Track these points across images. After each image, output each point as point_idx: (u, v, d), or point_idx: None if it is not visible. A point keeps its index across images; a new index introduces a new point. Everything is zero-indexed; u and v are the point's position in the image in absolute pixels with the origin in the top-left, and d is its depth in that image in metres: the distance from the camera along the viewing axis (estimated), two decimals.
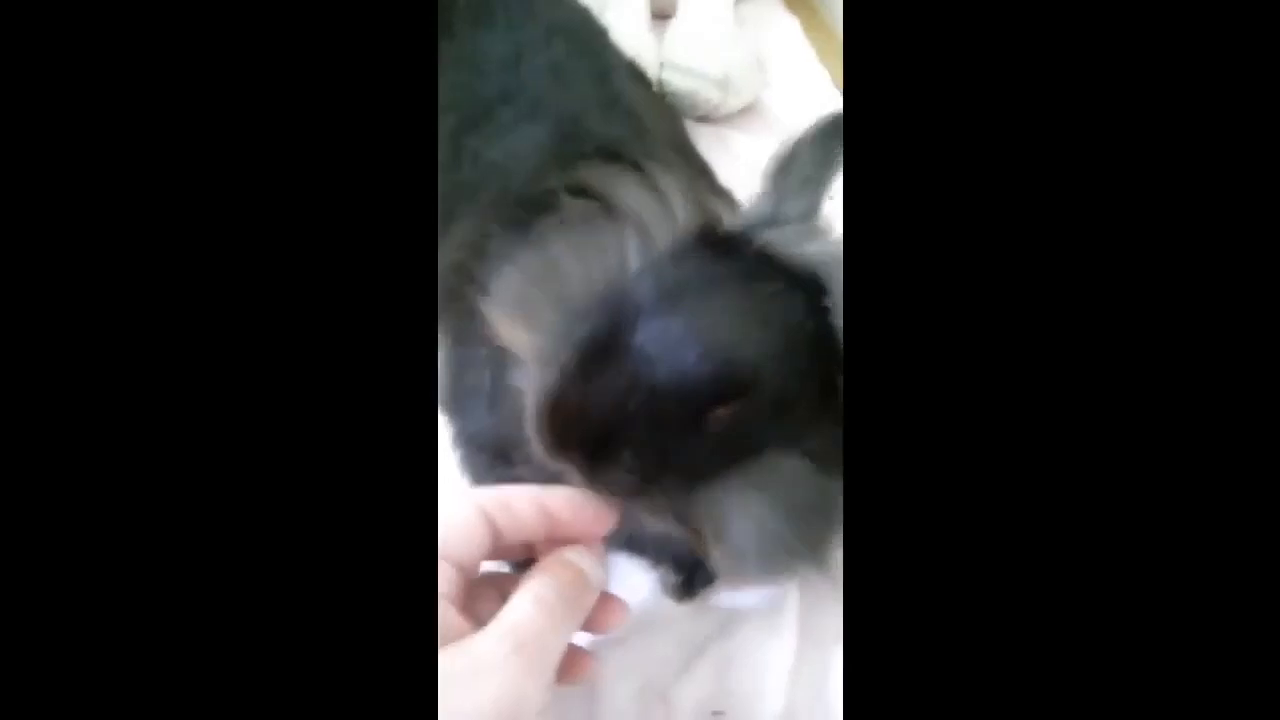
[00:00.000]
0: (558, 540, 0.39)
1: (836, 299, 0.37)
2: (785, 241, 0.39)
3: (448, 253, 0.50)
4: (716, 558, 0.38)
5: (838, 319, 0.37)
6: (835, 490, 0.38)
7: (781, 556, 0.39)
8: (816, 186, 0.41)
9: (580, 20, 0.68)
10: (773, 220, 0.40)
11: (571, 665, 0.40)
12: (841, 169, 0.42)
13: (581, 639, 0.39)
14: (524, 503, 0.38)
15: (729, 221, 0.41)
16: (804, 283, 0.38)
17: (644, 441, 0.36)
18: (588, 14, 0.70)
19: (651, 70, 0.90)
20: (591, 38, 0.67)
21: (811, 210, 0.41)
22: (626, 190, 0.42)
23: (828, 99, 1.01)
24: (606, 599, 0.41)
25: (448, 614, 0.35)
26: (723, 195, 0.63)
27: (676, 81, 0.91)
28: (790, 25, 1.09)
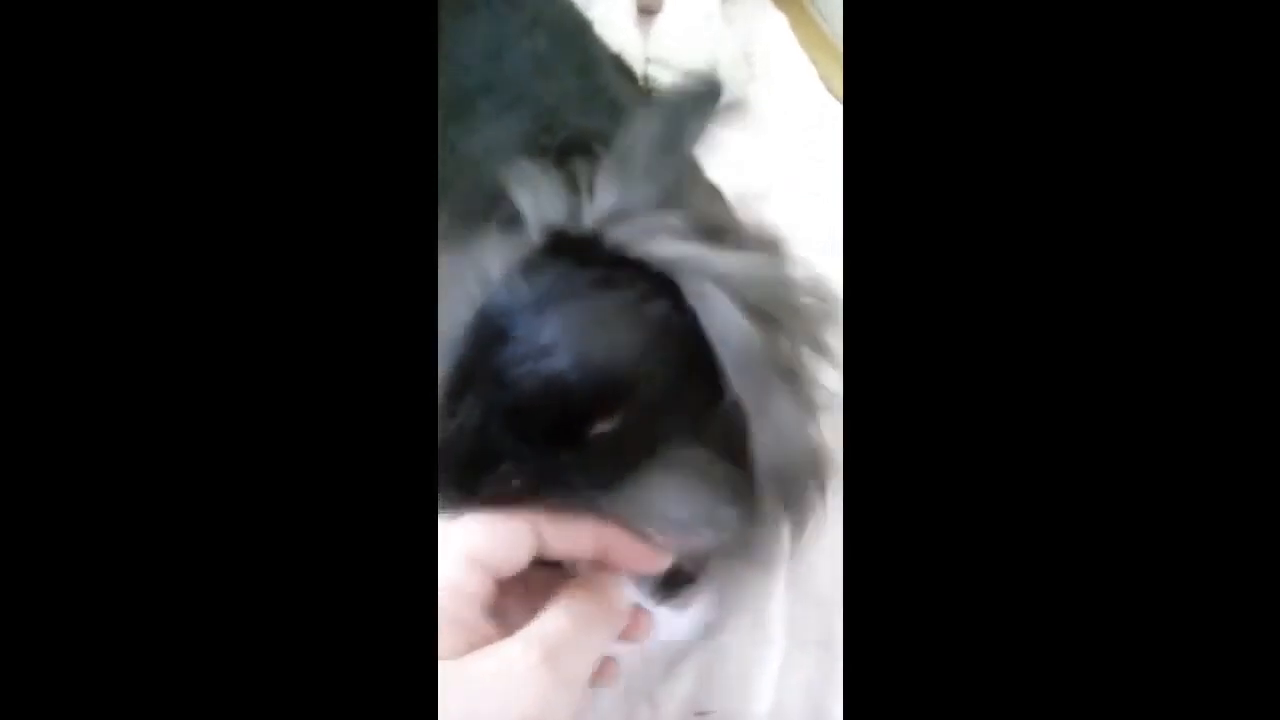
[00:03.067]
0: (601, 566, 0.38)
1: (699, 294, 0.36)
2: (635, 239, 0.37)
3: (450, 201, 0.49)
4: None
5: (703, 314, 0.36)
6: (741, 477, 0.38)
7: (704, 540, 0.38)
8: (661, 171, 0.39)
9: (564, 12, 0.67)
10: (621, 214, 0.38)
11: (597, 670, 0.39)
12: (692, 146, 0.41)
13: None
14: (581, 527, 0.36)
15: (580, 223, 0.39)
16: (661, 284, 0.36)
17: (520, 459, 0.35)
18: (571, 6, 0.69)
19: (637, 66, 0.89)
20: (575, 30, 0.66)
21: (664, 195, 0.39)
22: (530, 188, 0.40)
23: (815, 95, 1.00)
24: (634, 611, 0.40)
25: (477, 620, 0.34)
26: (709, 189, 0.62)
27: (663, 77, 0.91)
28: (778, 21, 1.09)
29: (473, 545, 0.34)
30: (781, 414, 0.37)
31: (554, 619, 0.34)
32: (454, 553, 0.34)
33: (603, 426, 0.35)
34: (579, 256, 0.37)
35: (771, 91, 1.00)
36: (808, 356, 0.40)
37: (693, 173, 0.61)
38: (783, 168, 0.91)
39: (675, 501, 0.37)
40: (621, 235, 0.37)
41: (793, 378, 0.38)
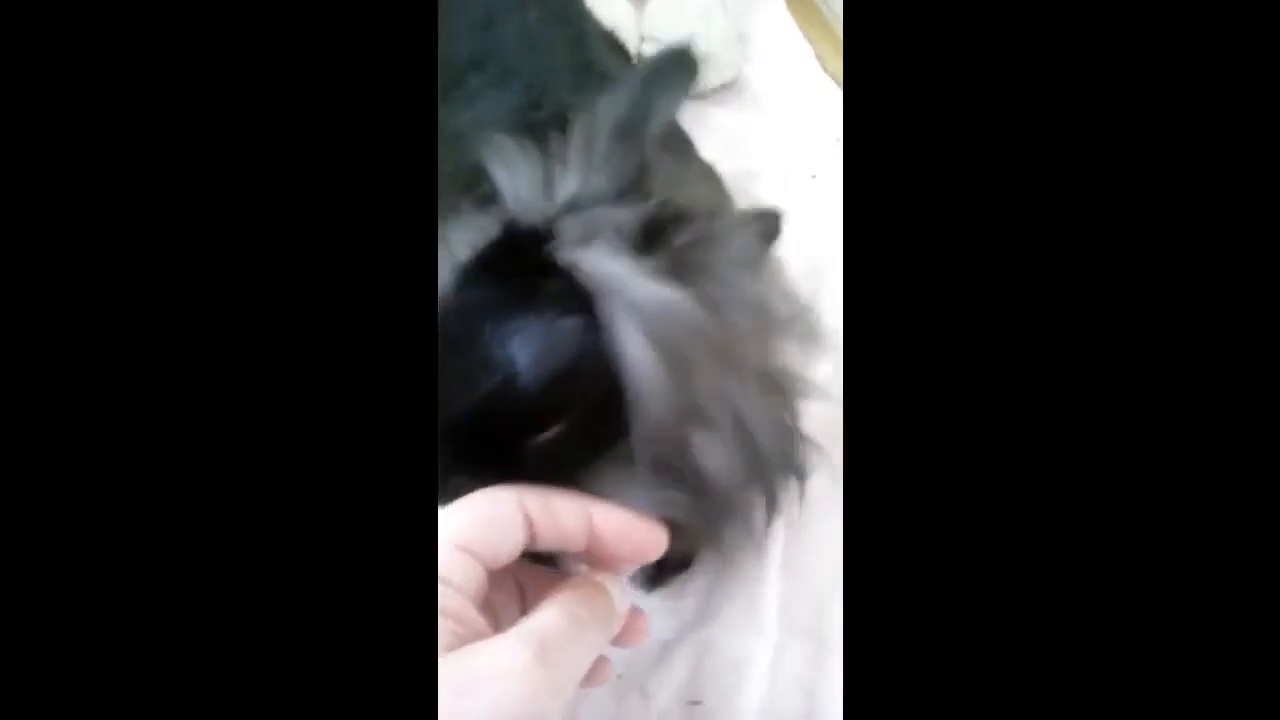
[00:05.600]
0: (594, 557, 0.37)
1: (612, 319, 0.35)
2: (574, 241, 0.36)
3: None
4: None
5: (616, 340, 0.35)
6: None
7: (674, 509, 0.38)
8: (621, 158, 0.38)
9: None
10: (576, 203, 0.37)
11: (591, 670, 0.38)
12: (659, 127, 0.39)
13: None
14: (571, 513, 0.35)
15: (538, 211, 0.38)
16: (582, 300, 0.36)
17: (466, 469, 0.35)
18: None
19: (631, 44, 0.88)
20: (567, 6, 0.65)
21: (622, 184, 0.38)
22: (506, 165, 0.40)
23: (811, 76, 0.99)
24: (631, 614, 0.39)
25: (467, 611, 0.32)
26: (703, 170, 0.61)
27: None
28: (774, 1, 1.07)
29: (461, 532, 0.33)
30: (702, 445, 0.37)
31: (549, 617, 0.33)
32: (442, 541, 0.33)
33: (540, 440, 0.35)
34: (517, 259, 0.37)
35: (766, 72, 0.98)
36: (732, 392, 0.39)
37: (686, 152, 0.60)
38: (777, 149, 0.89)
39: (626, 496, 0.36)
40: (571, 229, 0.37)
41: (701, 417, 0.37)
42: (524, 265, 0.36)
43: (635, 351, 0.35)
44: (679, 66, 0.41)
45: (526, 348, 0.34)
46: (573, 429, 0.35)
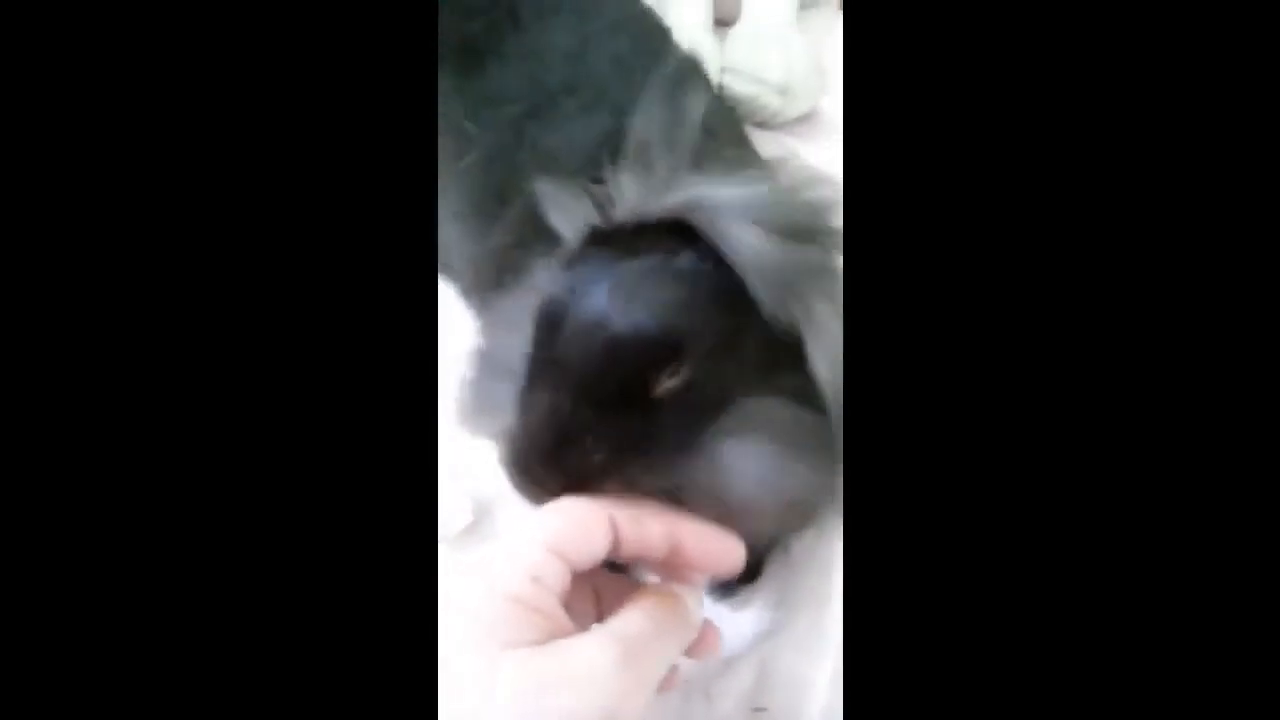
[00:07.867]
0: (670, 568, 0.39)
1: (716, 230, 0.37)
2: (649, 202, 0.38)
3: (498, 235, 0.51)
4: (727, 517, 0.38)
5: (725, 248, 0.37)
6: (820, 423, 0.38)
7: (791, 495, 0.38)
8: (676, 151, 0.40)
9: (643, 17, 0.68)
10: (648, 193, 0.39)
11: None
12: (698, 115, 0.41)
13: None
14: (656, 524, 0.37)
15: (612, 220, 0.40)
16: (685, 236, 0.37)
17: (597, 433, 0.36)
18: (650, 12, 0.70)
19: (713, 75, 0.90)
20: (654, 36, 0.68)
21: (677, 163, 0.40)
22: (559, 207, 0.42)
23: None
24: (706, 626, 0.40)
25: (555, 609, 0.34)
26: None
27: (737, 86, 0.91)
28: None
29: (553, 534, 0.35)
30: (830, 323, 0.37)
31: (634, 620, 0.35)
32: (535, 542, 0.35)
33: (669, 384, 0.36)
34: (609, 241, 0.39)
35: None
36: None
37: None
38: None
39: (753, 456, 0.37)
40: (643, 204, 0.39)
41: (832, 282, 0.38)
42: (616, 236, 0.39)
43: (748, 244, 0.36)
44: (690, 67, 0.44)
45: (638, 300, 0.36)
46: (695, 377, 0.37)
